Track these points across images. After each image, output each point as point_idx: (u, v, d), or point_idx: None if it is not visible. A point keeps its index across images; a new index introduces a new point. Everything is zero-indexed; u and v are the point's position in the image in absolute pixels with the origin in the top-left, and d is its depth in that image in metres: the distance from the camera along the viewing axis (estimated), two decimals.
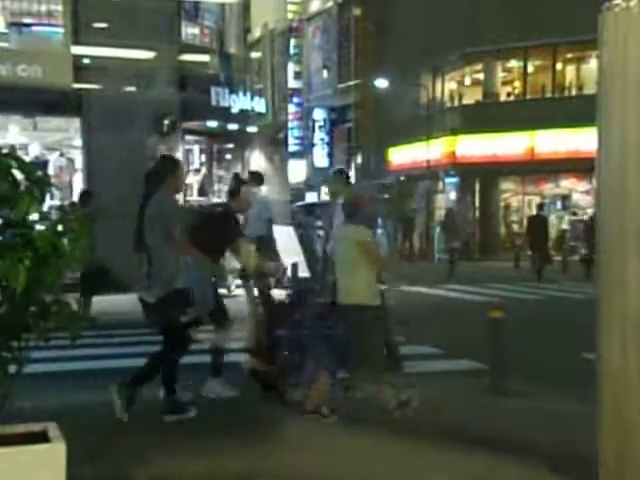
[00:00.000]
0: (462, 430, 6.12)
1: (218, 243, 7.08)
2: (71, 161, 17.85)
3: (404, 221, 31.15)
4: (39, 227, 3.56)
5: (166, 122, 17.19)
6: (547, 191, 31.30)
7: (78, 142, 17.41)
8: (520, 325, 10.44)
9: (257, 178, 10.36)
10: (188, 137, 19.02)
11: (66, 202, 15.44)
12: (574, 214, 29.36)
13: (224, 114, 19.06)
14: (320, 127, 44.26)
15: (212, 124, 19.31)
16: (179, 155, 17.94)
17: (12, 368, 3.57)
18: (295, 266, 15.64)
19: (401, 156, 35.54)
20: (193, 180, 19.83)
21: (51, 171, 16.93)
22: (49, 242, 3.44)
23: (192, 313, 6.51)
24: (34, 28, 16.99)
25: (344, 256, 6.42)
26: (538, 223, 21.37)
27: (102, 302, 12.71)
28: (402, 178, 35.45)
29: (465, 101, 33.32)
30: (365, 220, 6.55)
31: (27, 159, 11.13)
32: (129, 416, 6.38)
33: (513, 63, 32.47)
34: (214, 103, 18.66)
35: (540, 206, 23.27)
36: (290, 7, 43.69)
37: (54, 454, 3.42)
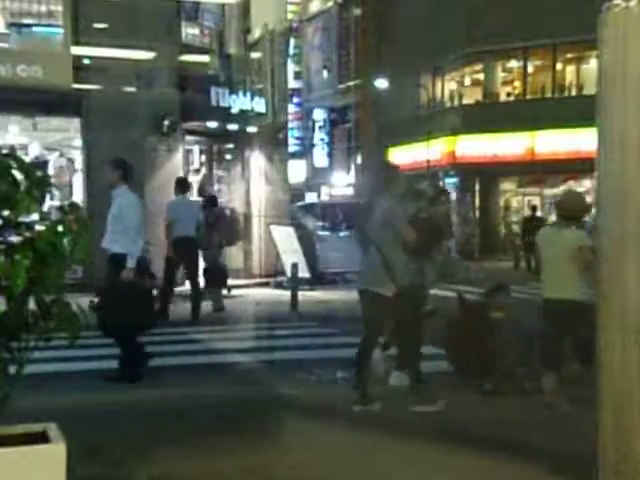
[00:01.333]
0: (462, 430, 6.12)
1: (424, 246, 7.44)
2: (71, 161, 17.84)
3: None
4: (39, 227, 3.56)
5: (166, 122, 17.16)
6: (547, 191, 31.29)
7: (78, 142, 17.39)
8: (520, 325, 10.40)
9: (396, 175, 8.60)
10: (188, 137, 18.98)
11: (66, 202, 15.43)
12: None
13: (224, 114, 19.02)
14: (320, 127, 44.28)
15: (212, 124, 19.28)
16: (179, 155, 17.93)
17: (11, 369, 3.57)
18: (295, 266, 15.65)
19: (401, 156, 35.54)
20: (193, 180, 19.80)
21: (51, 171, 16.91)
22: (49, 242, 3.44)
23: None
24: (34, 28, 16.98)
25: (560, 257, 6.67)
26: (533, 225, 21.36)
27: None
28: None
29: (465, 101, 33.31)
30: (580, 224, 6.85)
31: (27, 159, 11.13)
32: (130, 416, 6.39)
33: (513, 63, 32.46)
34: (214, 103, 18.62)
35: (533, 208, 23.18)
36: (290, 7, 43.67)
37: (54, 454, 3.41)
